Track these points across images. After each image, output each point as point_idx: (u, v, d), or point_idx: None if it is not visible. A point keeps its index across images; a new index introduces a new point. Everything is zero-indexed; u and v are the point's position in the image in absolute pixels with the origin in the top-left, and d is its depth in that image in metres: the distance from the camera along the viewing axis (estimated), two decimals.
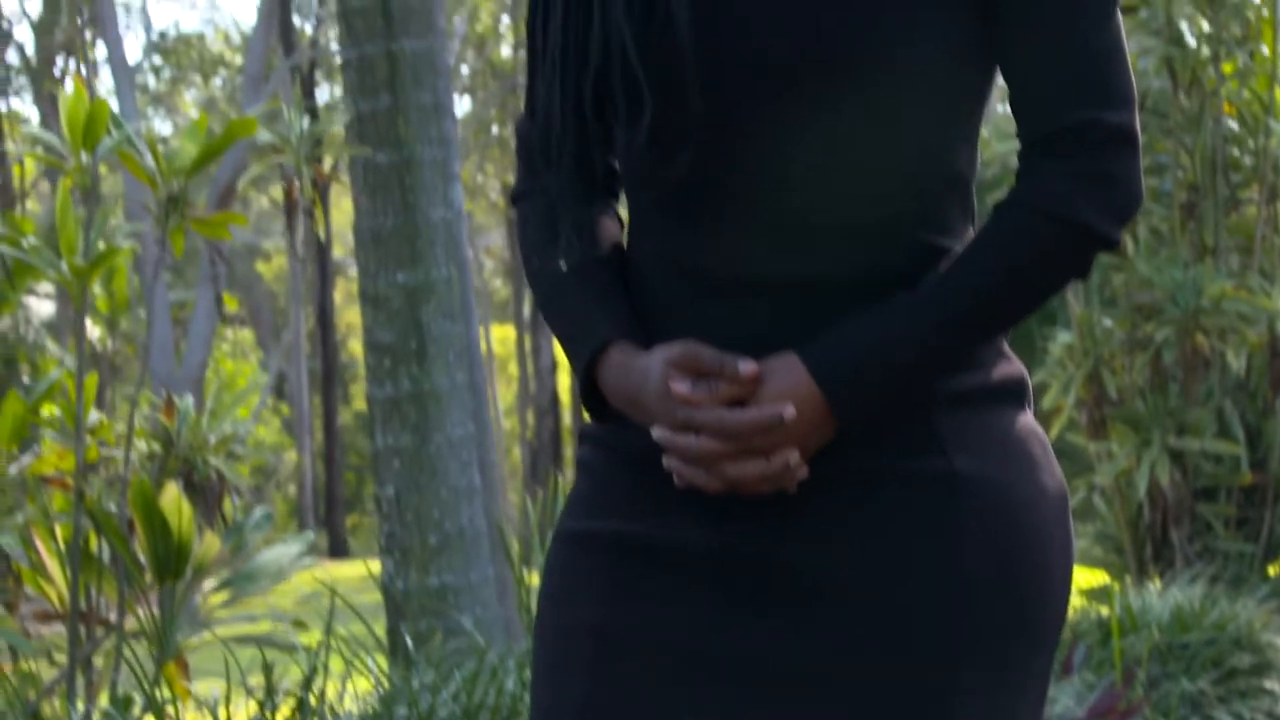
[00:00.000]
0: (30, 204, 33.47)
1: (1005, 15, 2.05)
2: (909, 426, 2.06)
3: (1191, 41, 9.40)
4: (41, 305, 26.50)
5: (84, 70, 32.31)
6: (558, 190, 2.14)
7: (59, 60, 31.70)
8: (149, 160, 5.93)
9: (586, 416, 2.21)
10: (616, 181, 2.23)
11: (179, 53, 35.39)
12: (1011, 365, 2.14)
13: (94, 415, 6.15)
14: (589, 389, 2.15)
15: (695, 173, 2.06)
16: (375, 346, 7.17)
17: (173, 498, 5.71)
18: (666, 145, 2.06)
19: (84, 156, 5.85)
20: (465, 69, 35.29)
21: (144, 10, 34.20)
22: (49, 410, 6.27)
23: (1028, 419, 2.12)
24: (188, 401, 6.38)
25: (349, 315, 41.19)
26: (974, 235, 2.10)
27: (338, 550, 34.06)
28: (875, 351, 2.01)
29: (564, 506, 2.23)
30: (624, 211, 2.26)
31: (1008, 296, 2.05)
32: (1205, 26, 9.35)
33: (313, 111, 33.91)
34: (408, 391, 7.07)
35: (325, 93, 37.58)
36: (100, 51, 32.84)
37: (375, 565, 7.46)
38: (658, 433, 2.03)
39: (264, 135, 6.43)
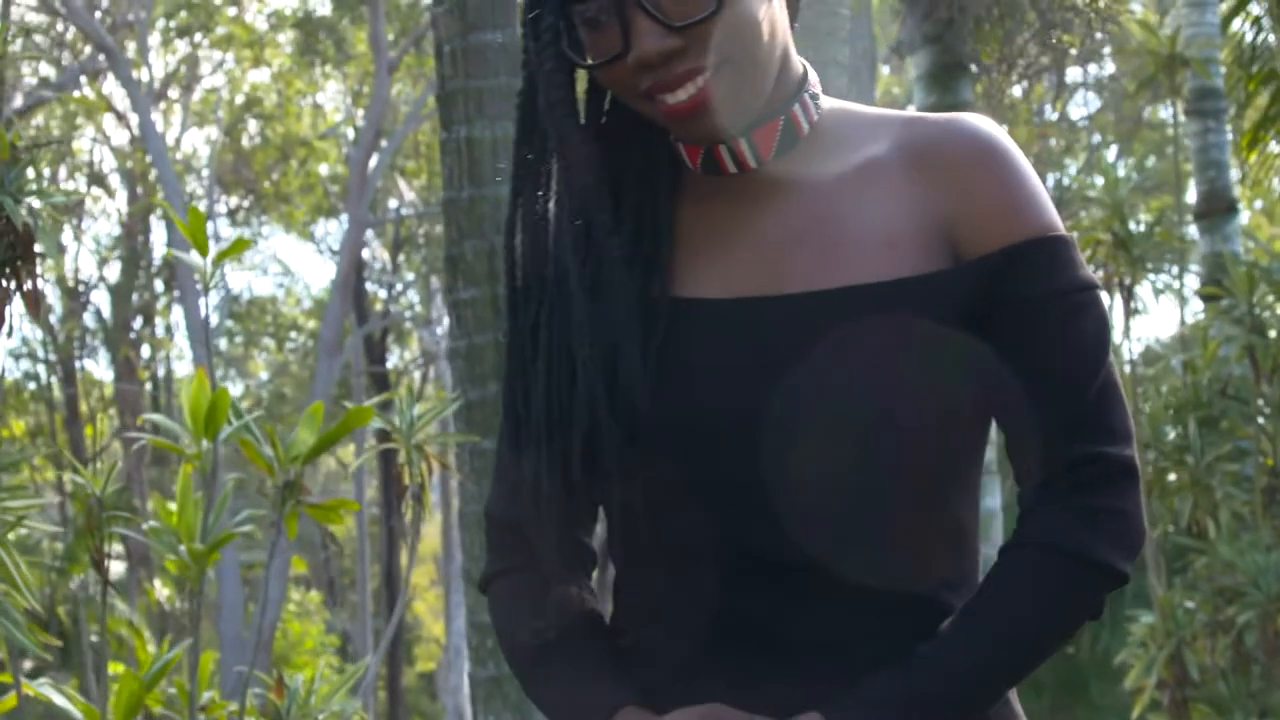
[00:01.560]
0: (100, 464, 33.70)
1: (1005, 370, 2.06)
2: None
3: (1273, 330, 9.56)
4: (111, 565, 26.67)
5: (160, 334, 32.85)
6: (548, 560, 2.13)
7: (135, 323, 32.19)
8: (267, 449, 6.12)
9: None
10: (593, 559, 2.22)
11: (253, 317, 35.90)
12: None
13: (207, 694, 6.26)
14: None
15: (703, 534, 2.06)
16: (478, 626, 7.29)
17: None
18: (671, 506, 2.07)
19: (204, 444, 6.04)
20: None
21: (222, 275, 34.66)
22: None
23: None
24: (297, 680, 6.49)
25: (414, 576, 41.28)
26: (986, 578, 2.08)
27: None
28: (898, 709, 1.98)
29: None
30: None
31: (1024, 641, 2.03)
32: None
33: (383, 377, 34.33)
34: (509, 671, 7.16)
35: (395, 357, 37.98)
36: (175, 315, 33.42)
37: None
38: None
39: (375, 422, 6.62)
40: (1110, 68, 25.12)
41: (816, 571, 2.04)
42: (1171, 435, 10.03)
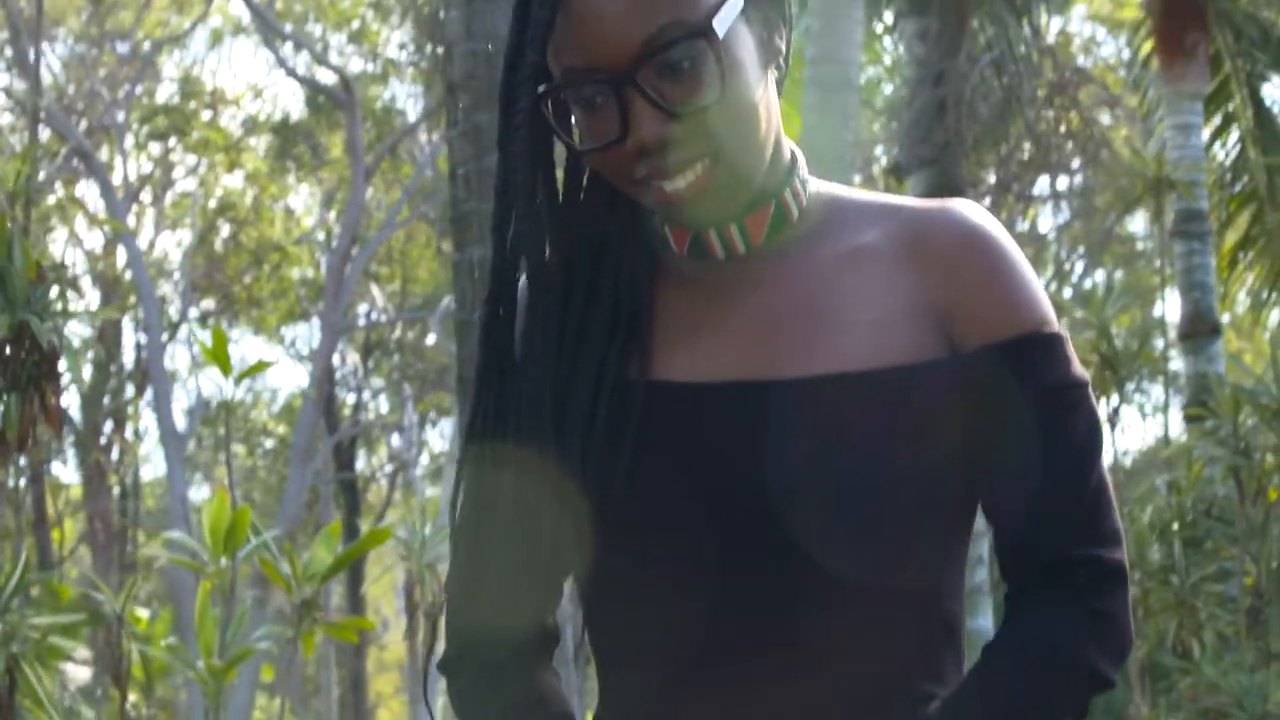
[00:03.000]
0: (69, 568, 33.69)
1: (995, 459, 2.02)
2: None
3: (1258, 452, 9.68)
4: (78, 671, 26.49)
5: (129, 438, 32.77)
6: (509, 644, 2.09)
7: (106, 427, 32.13)
8: (285, 566, 6.21)
9: None
10: (555, 637, 2.16)
11: (223, 420, 35.87)
12: None
13: None
14: None
15: (680, 629, 2.01)
16: None
17: None
18: (646, 600, 2.03)
19: (223, 561, 6.13)
20: None
21: (195, 379, 34.68)
22: None
23: None
24: None
25: (379, 684, 41.11)
26: (971, 670, 2.03)
27: None
28: None
29: None
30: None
31: None
32: (1271, 438, 9.64)
33: (352, 484, 34.32)
34: None
35: (362, 461, 37.97)
36: (144, 419, 33.36)
37: None
38: None
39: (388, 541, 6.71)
40: (1080, 179, 25.35)
41: (804, 665, 1.99)
42: (1157, 555, 10.12)
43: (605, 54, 1.95)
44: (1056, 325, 2.06)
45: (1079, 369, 2.06)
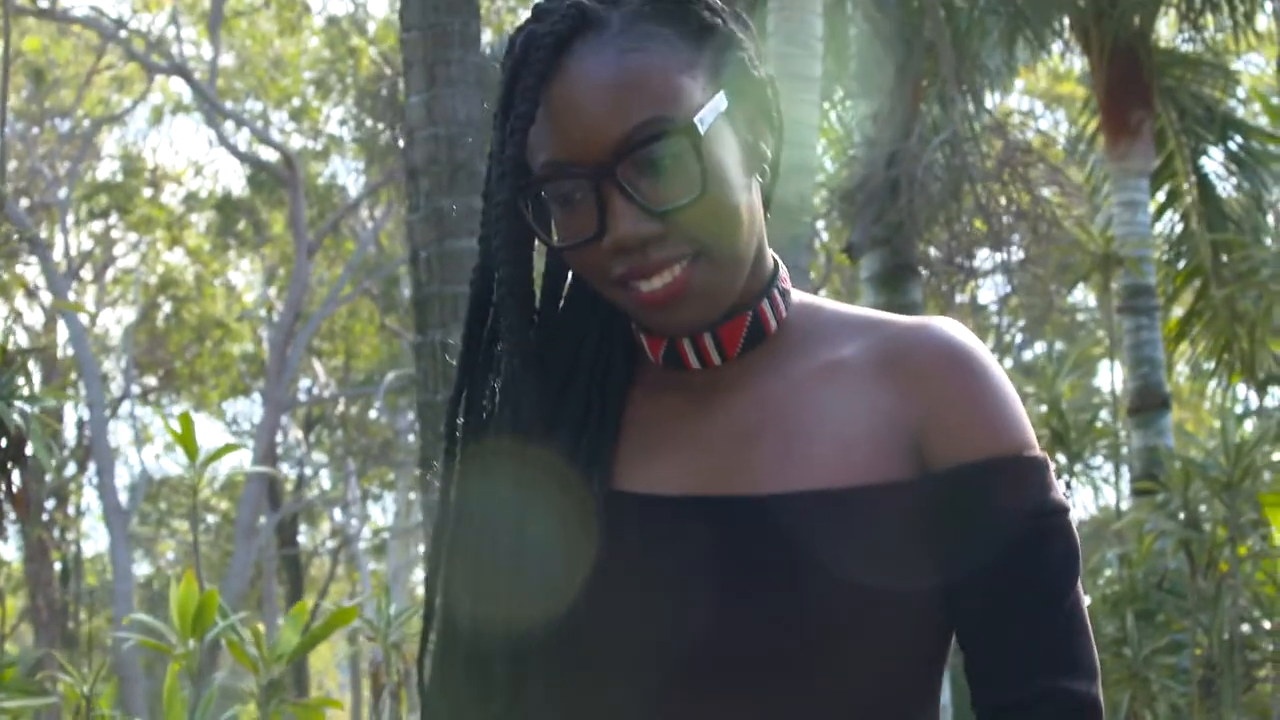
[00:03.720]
0: (9, 646, 33.38)
1: (967, 585, 1.95)
2: None
3: (1208, 525, 9.79)
4: None
5: (72, 513, 32.62)
6: None
7: (48, 504, 31.94)
8: (251, 648, 6.22)
9: None
10: None
11: (164, 496, 35.74)
12: None
13: None
14: None
15: None
16: None
17: None
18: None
19: (190, 643, 6.14)
20: None
21: (139, 455, 34.55)
22: None
23: None
24: None
25: None
26: None
27: None
28: None
29: None
30: None
31: None
32: (1221, 510, 9.74)
33: (295, 559, 34.21)
34: None
35: (305, 536, 37.89)
36: (85, 496, 33.21)
37: None
38: None
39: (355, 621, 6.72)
40: (1020, 252, 25.52)
41: None
42: (1109, 628, 10.21)
43: (584, 149, 1.91)
44: (1038, 449, 2.00)
45: (1059, 495, 1.99)
